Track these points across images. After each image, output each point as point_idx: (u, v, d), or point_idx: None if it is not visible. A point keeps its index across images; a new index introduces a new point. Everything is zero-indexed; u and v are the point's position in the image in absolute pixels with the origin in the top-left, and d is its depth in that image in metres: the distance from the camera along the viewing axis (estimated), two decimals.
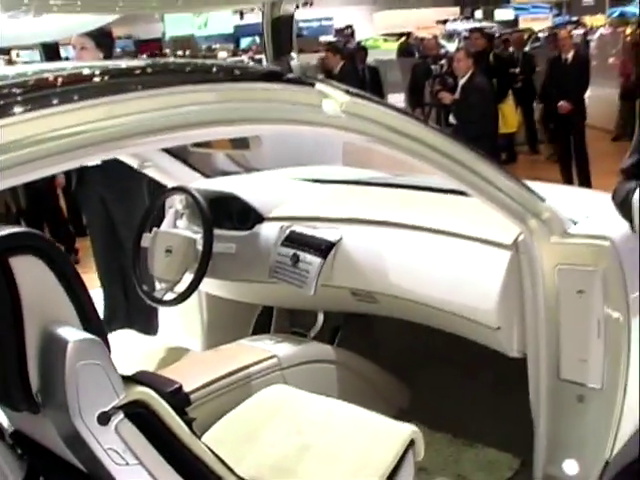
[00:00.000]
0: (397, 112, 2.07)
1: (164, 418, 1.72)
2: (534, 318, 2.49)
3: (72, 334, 1.60)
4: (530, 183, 2.50)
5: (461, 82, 7.50)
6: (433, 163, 2.12)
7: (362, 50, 12.08)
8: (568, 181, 8.62)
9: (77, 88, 1.39)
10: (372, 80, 10.50)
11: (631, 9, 40.30)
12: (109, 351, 1.65)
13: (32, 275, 1.57)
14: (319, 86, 1.85)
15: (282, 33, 2.01)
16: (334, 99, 1.84)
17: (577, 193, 3.98)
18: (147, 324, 3.89)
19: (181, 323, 3.45)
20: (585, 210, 2.75)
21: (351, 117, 1.88)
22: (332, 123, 1.87)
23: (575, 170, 8.67)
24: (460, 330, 2.72)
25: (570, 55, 8.76)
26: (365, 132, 1.95)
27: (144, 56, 20.14)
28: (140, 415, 1.67)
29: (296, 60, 2.01)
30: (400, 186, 3.22)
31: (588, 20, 38.47)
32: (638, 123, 2.18)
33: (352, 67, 10.59)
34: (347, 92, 1.89)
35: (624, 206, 2.10)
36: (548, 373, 2.53)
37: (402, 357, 3.30)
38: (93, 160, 1.40)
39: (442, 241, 2.66)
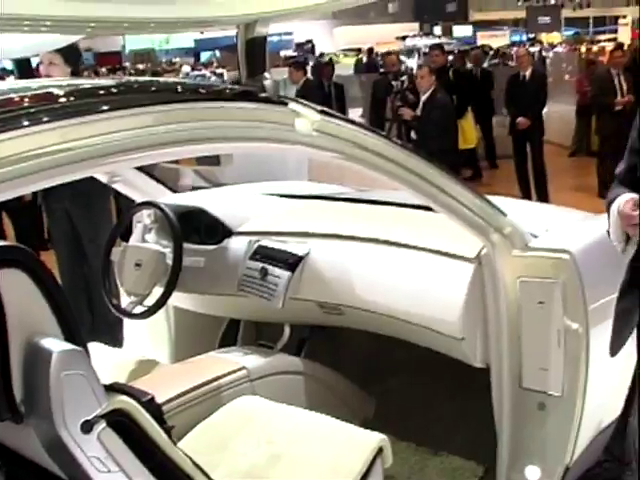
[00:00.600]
0: (367, 130, 2.14)
1: (144, 426, 1.76)
2: (496, 329, 2.57)
3: (56, 345, 1.63)
4: (492, 198, 2.59)
5: (423, 98, 7.56)
6: (400, 180, 2.20)
7: (328, 65, 12.02)
8: (527, 196, 8.77)
9: (47, 109, 1.42)
10: (337, 96, 10.49)
11: (584, 27, 41.03)
12: (90, 361, 1.69)
13: (16, 288, 1.60)
14: (292, 105, 1.91)
15: (256, 53, 2.07)
16: (306, 118, 1.90)
17: (537, 208, 4.08)
18: (112, 337, 3.90)
19: (149, 336, 3.47)
20: (545, 224, 2.85)
21: (323, 136, 1.95)
22: (304, 142, 1.93)
23: (534, 185, 8.81)
24: (425, 341, 2.79)
25: (528, 72, 8.92)
26: (336, 150, 2.01)
27: (104, 70, 20.05)
28: (122, 423, 1.71)
29: (270, 79, 2.07)
30: (366, 201, 3.29)
31: (544, 38, 39.15)
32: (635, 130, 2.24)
33: (316, 82, 10.60)
34: (319, 111, 1.95)
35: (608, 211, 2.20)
36: (510, 382, 2.61)
37: (368, 368, 3.36)
38: (65, 179, 1.42)
39: (407, 255, 2.73)
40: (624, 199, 2.05)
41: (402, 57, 21.30)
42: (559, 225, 2.88)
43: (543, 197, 8.62)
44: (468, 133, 9.42)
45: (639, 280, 2.00)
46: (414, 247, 2.72)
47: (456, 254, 2.60)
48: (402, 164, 2.17)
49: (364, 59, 23.21)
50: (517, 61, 9.25)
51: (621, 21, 45.34)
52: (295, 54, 28.62)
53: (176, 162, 2.45)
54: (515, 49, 20.97)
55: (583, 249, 2.59)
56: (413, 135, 7.53)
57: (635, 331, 2.25)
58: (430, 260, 2.67)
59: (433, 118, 7.42)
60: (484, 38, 37.48)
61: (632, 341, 2.85)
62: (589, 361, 2.58)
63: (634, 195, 2.00)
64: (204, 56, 33.36)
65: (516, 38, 38.83)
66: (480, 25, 43.49)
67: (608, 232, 2.15)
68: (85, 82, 1.85)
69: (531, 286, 2.53)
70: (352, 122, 2.13)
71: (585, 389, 2.59)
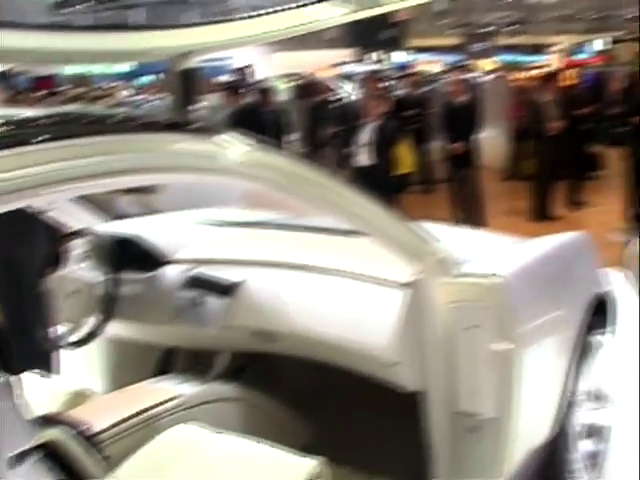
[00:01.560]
0: (298, 160, 2.17)
1: (77, 458, 1.74)
2: (430, 353, 2.62)
3: None
4: (425, 223, 2.64)
5: (365, 125, 7.65)
6: (331, 208, 2.23)
7: (268, 91, 11.54)
8: (462, 221, 8.91)
9: None
10: (275, 122, 10.40)
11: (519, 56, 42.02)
12: (21, 392, 1.66)
13: None
14: (221, 136, 1.92)
15: (187, 84, 2.08)
16: (234, 148, 1.92)
17: (470, 233, 4.16)
18: (48, 366, 3.84)
19: (85, 365, 3.43)
20: (477, 249, 2.92)
21: (252, 166, 1.96)
22: (232, 172, 1.95)
23: (471, 210, 8.94)
24: (359, 367, 2.82)
25: (463, 98, 9.09)
26: (266, 180, 2.04)
27: (40, 93, 19.73)
28: (52, 456, 1.69)
29: (203, 107, 2.08)
30: (300, 228, 3.32)
31: (479, 64, 39.97)
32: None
33: (254, 108, 10.52)
34: (248, 141, 1.97)
35: None
36: (444, 405, 2.66)
37: (306, 394, 3.37)
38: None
39: (341, 281, 2.76)
40: None
41: (339, 83, 21.54)
42: (491, 250, 2.96)
43: (480, 221, 8.77)
44: (406, 158, 9.51)
45: None
46: (348, 274, 2.76)
47: (389, 280, 2.64)
48: (333, 193, 2.21)
49: (303, 84, 23.33)
50: (453, 87, 9.38)
51: (554, 48, 46.66)
52: (233, 79, 28.57)
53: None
54: (451, 75, 21.34)
55: (513, 273, 2.66)
56: (355, 161, 7.57)
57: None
58: (363, 286, 2.71)
59: (373, 144, 7.51)
60: (420, 64, 38.13)
61: (558, 361, 2.95)
62: (522, 383, 2.64)
63: None
64: (141, 80, 33.05)
65: (452, 64, 39.50)
66: (417, 51, 44.21)
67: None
68: (15, 113, 1.83)
69: (464, 310, 2.58)
70: (283, 152, 2.16)
71: (518, 410, 2.65)
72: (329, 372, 3.01)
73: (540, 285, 2.94)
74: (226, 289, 2.93)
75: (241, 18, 2.24)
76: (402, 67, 35.22)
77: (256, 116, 9.73)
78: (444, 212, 9.31)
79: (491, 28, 42.31)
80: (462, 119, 8.87)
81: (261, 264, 2.99)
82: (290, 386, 3.43)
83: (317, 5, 2.33)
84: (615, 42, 44.74)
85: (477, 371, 2.62)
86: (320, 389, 3.40)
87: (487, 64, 40.11)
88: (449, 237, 2.73)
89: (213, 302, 2.92)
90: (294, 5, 2.32)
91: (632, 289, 2.05)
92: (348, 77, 24.05)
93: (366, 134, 7.56)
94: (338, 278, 2.77)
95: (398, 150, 9.23)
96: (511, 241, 3.36)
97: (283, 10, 2.30)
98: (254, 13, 2.26)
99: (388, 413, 3.18)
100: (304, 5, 2.31)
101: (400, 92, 12.80)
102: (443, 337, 2.60)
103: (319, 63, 33.84)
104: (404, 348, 2.59)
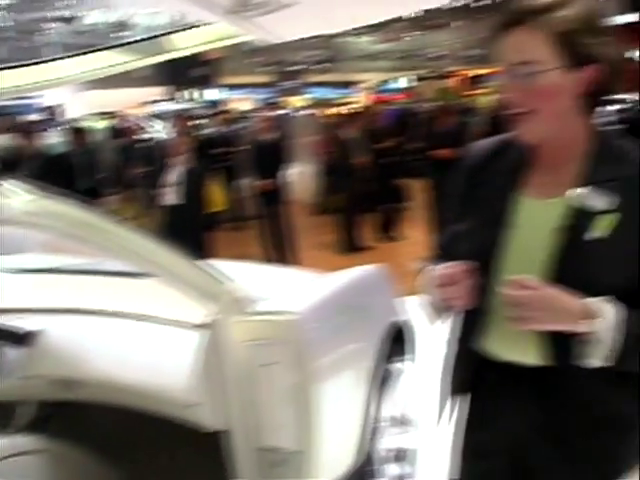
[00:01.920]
0: (82, 208, 2.15)
1: None
2: (230, 392, 2.64)
3: None
4: (224, 261, 2.69)
5: (174, 164, 7.61)
6: (120, 254, 2.23)
7: (79, 132, 10.57)
8: (272, 256, 9.05)
9: None
10: (85, 163, 9.70)
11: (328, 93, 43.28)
12: None
13: None
14: (5, 185, 1.89)
15: None
16: (19, 197, 1.89)
17: (269, 269, 4.24)
18: None
19: None
20: (275, 286, 2.99)
21: (36, 215, 1.94)
22: (18, 221, 1.92)
23: (281, 245, 9.07)
24: (161, 409, 2.80)
25: (271, 135, 9.25)
26: (52, 228, 2.02)
27: None
28: None
29: None
30: (99, 272, 3.28)
31: (290, 100, 40.90)
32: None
33: (61, 150, 10.09)
34: (32, 190, 1.94)
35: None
36: (248, 441, 2.69)
37: (112, 440, 3.31)
38: None
39: (139, 325, 2.76)
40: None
41: (150, 122, 21.36)
42: (287, 286, 3.04)
43: (291, 256, 8.93)
44: (216, 196, 9.55)
45: (468, 357, 1.85)
46: (145, 317, 2.75)
47: (186, 322, 2.66)
48: (118, 238, 2.20)
49: (114, 124, 22.93)
50: (262, 125, 9.54)
51: (361, 86, 48.53)
52: (42, 118, 27.61)
53: None
54: (261, 113, 21.70)
55: (307, 309, 2.75)
56: (165, 201, 7.50)
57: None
58: (160, 329, 2.72)
59: (184, 183, 7.49)
60: (232, 101, 38.50)
61: (358, 391, 3.05)
62: (322, 415, 2.72)
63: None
64: None
65: (263, 101, 40.14)
66: (229, 88, 44.64)
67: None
68: None
69: (261, 348, 2.63)
70: (68, 201, 2.14)
71: (320, 442, 2.72)
72: (135, 416, 2.97)
73: (335, 319, 3.05)
74: (23, 338, 2.84)
75: (45, 61, 2.22)
76: (214, 104, 35.49)
77: (63, 158, 9.41)
78: (255, 249, 9.42)
79: (301, 66, 43.44)
80: (271, 156, 8.99)
81: (58, 311, 2.93)
82: (97, 433, 3.35)
83: (112, 50, 2.34)
84: (419, 79, 47.26)
85: (278, 406, 2.67)
86: (127, 434, 3.35)
87: (297, 101, 41.18)
88: (247, 275, 2.79)
89: (10, 352, 2.82)
90: (95, 48, 2.32)
91: (426, 314, 2.16)
92: (159, 115, 23.90)
93: (174, 173, 7.53)
94: (135, 322, 2.76)
95: (208, 188, 9.28)
96: (310, 276, 3.46)
97: (85, 53, 2.29)
98: (58, 56, 2.24)
99: (194, 452, 3.17)
100: (106, 48, 2.32)
101: (211, 130, 12.85)
102: (242, 375, 2.63)
103: (131, 101, 33.42)
104: (203, 388, 2.61)
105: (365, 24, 1.64)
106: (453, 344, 1.92)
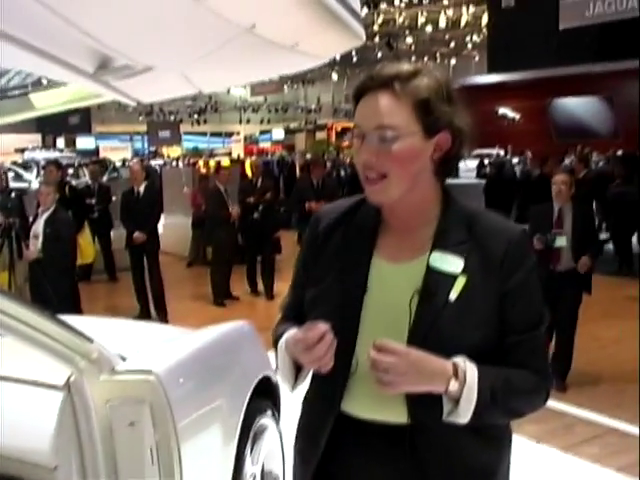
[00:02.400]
0: None
1: None
2: (91, 453, 2.59)
3: None
4: (89, 317, 2.65)
5: (45, 215, 7.41)
6: None
7: None
8: (145, 308, 8.92)
9: None
10: None
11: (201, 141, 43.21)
12: None
13: None
14: None
15: None
16: None
17: (134, 326, 4.19)
18: None
19: None
20: (137, 344, 2.96)
21: None
22: None
23: (152, 297, 8.96)
24: (21, 473, 2.71)
25: (142, 187, 9.16)
26: None
27: None
28: None
29: None
30: None
31: (165, 151, 40.75)
32: None
33: None
34: None
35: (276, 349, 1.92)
36: None
37: None
38: None
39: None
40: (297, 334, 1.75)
41: (20, 170, 20.79)
42: (150, 345, 3.02)
43: (161, 308, 8.83)
44: (86, 249, 9.38)
45: (316, 419, 1.82)
46: (2, 378, 2.67)
47: (45, 382, 2.60)
48: None
49: None
50: (131, 176, 9.42)
51: (234, 137, 48.90)
52: None
53: None
54: (134, 162, 21.50)
55: (169, 369, 2.74)
56: (31, 254, 7.27)
57: None
58: (19, 390, 2.64)
59: (54, 235, 7.31)
60: (106, 151, 38.00)
61: (225, 447, 3.04)
62: (185, 474, 2.70)
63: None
64: None
65: (138, 151, 39.80)
66: (103, 137, 44.03)
67: (276, 370, 1.90)
68: None
69: (121, 408, 2.59)
70: None
71: None
72: None
73: (201, 376, 3.04)
74: None
75: None
76: (88, 153, 34.91)
77: None
78: (127, 300, 9.27)
79: (176, 116, 43.37)
80: (142, 208, 8.88)
81: None
82: None
83: None
84: (293, 131, 48.03)
85: (139, 467, 2.63)
86: None
87: (172, 151, 41.10)
88: (111, 332, 2.75)
89: None
90: None
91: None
92: (29, 165, 23.27)
93: (41, 224, 7.34)
94: None
95: (77, 240, 9.09)
96: (177, 332, 3.45)
97: None
98: None
99: None
100: None
101: (83, 179, 12.63)
102: (103, 436, 2.59)
103: (1, 148, 32.43)
104: (63, 451, 2.54)
105: (225, 88, 1.67)
106: (309, 405, 1.91)
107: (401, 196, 1.68)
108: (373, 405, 1.72)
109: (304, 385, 1.89)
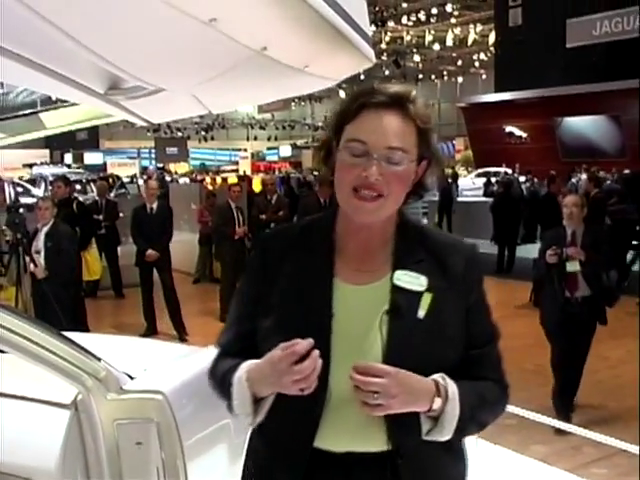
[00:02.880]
0: None
1: None
2: (98, 472, 2.59)
3: None
4: (96, 335, 2.64)
5: (45, 230, 7.43)
6: None
7: None
8: (152, 324, 8.91)
9: None
10: None
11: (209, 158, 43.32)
12: None
13: None
14: None
15: None
16: None
17: (141, 345, 4.19)
18: None
19: None
20: (145, 363, 2.96)
21: None
22: None
23: (168, 313, 8.93)
24: None
25: (155, 204, 9.11)
26: None
27: None
28: None
29: None
30: None
31: (173, 167, 40.88)
32: None
33: None
34: None
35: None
36: None
37: None
38: None
39: (3, 403, 2.67)
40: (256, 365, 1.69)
41: (28, 185, 20.87)
42: (157, 364, 3.01)
43: (179, 324, 8.81)
44: (93, 265, 9.39)
45: (282, 459, 1.74)
46: (10, 396, 2.67)
47: (52, 401, 2.60)
48: None
49: None
50: (147, 192, 9.33)
51: (241, 154, 49.04)
52: None
53: None
54: (144, 179, 21.57)
55: (176, 388, 2.73)
56: (41, 269, 7.28)
57: None
58: (26, 407, 2.64)
59: (57, 250, 7.32)
60: (114, 167, 38.12)
61: (231, 467, 3.03)
62: None
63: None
64: None
65: (146, 167, 39.90)
66: (110, 153, 44.23)
67: (230, 406, 1.73)
68: None
69: (128, 428, 2.59)
70: None
71: None
72: None
73: (205, 396, 3.03)
74: None
75: None
76: (95, 169, 35.02)
77: None
78: (135, 317, 9.27)
79: (184, 132, 43.55)
80: (156, 224, 8.87)
81: None
82: None
83: None
84: (299, 148, 48.15)
85: None
86: None
87: (179, 167, 41.22)
88: (118, 351, 2.75)
89: None
90: None
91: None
92: (36, 180, 23.36)
93: (47, 240, 7.36)
94: (3, 399, 2.67)
95: (85, 257, 9.11)
96: (183, 352, 3.44)
97: None
98: None
99: None
100: None
101: (90, 195, 12.67)
102: (110, 455, 2.58)
103: (9, 163, 32.54)
104: (70, 469, 2.54)
105: (234, 108, 1.67)
106: (270, 444, 1.77)
107: (385, 216, 1.66)
108: (351, 437, 1.66)
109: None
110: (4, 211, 8.57)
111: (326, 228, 1.74)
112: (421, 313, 1.64)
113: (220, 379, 1.77)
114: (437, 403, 1.60)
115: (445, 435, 1.62)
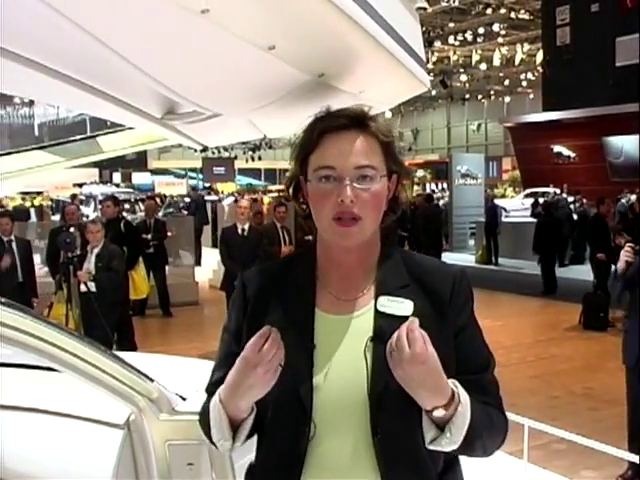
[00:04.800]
0: (3, 306, 2.13)
1: None
2: None
3: None
4: (146, 354, 2.67)
5: (95, 251, 7.54)
6: (40, 353, 2.20)
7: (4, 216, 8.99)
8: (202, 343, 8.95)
9: None
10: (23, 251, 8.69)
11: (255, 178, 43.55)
12: None
13: None
14: None
15: None
16: None
17: (193, 365, 4.21)
18: None
19: None
20: (196, 384, 2.97)
21: None
22: None
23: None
24: None
25: (247, 225, 9.07)
26: None
27: None
28: None
29: None
30: (15, 365, 3.21)
31: (220, 187, 41.23)
32: None
33: None
34: None
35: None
36: None
37: None
38: None
39: (57, 422, 2.71)
40: None
41: (80, 204, 21.23)
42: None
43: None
44: (140, 284, 9.45)
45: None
46: (64, 415, 2.71)
47: (105, 421, 2.63)
48: (40, 337, 2.18)
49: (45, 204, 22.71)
50: (238, 211, 9.35)
51: (289, 174, 49.12)
52: None
53: None
54: (191, 197, 21.69)
55: None
56: (92, 288, 7.38)
57: None
58: (80, 427, 2.67)
59: (107, 268, 7.43)
60: (161, 186, 38.60)
61: None
62: None
63: None
64: None
65: (194, 186, 40.33)
66: (159, 173, 44.80)
67: (209, 437, 1.74)
68: None
69: (180, 448, 2.61)
70: None
71: None
72: None
73: None
74: None
75: None
76: (144, 188, 35.53)
77: None
78: (183, 336, 9.34)
79: (231, 152, 43.86)
80: (248, 246, 8.80)
81: None
82: None
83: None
84: None
85: None
86: None
87: (226, 187, 41.54)
88: (170, 371, 2.77)
89: None
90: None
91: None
92: (87, 199, 23.76)
93: (96, 259, 7.47)
94: (56, 419, 2.71)
95: (132, 276, 9.20)
96: None
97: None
98: None
99: None
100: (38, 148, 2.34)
101: (138, 215, 12.80)
102: (162, 475, 2.60)
103: (60, 182, 33.16)
104: None
105: (289, 133, 1.69)
106: None
107: (366, 239, 1.62)
108: (338, 471, 1.60)
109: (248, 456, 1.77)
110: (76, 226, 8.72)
111: (308, 261, 1.72)
112: None
113: (204, 426, 1.75)
114: (452, 408, 1.52)
115: (451, 443, 1.53)
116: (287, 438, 1.59)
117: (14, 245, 8.51)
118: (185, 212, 18.04)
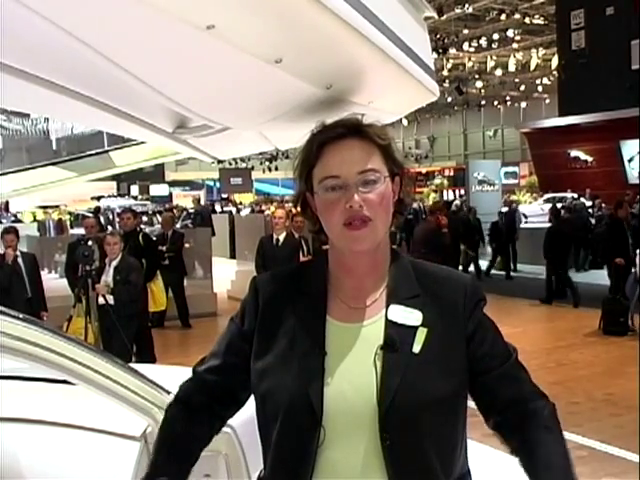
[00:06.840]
0: (20, 321, 2.15)
1: None
2: None
3: None
4: (164, 366, 2.67)
5: (113, 264, 7.58)
6: (57, 367, 2.22)
7: (10, 232, 8.66)
8: None
9: None
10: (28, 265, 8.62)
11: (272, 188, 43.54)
12: None
13: None
14: None
15: None
16: None
17: None
18: None
19: None
20: None
21: None
22: None
23: None
24: None
25: (282, 235, 9.08)
26: None
27: None
28: None
29: None
30: (30, 379, 3.23)
31: (237, 197, 41.39)
32: None
33: None
34: None
35: None
36: None
37: None
38: None
39: (74, 435, 2.72)
40: None
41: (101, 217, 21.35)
42: None
43: None
44: (158, 296, 9.47)
45: None
46: (80, 427, 2.72)
47: (122, 433, 2.64)
48: (58, 351, 2.20)
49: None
50: (273, 221, 9.42)
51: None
52: None
53: None
54: (208, 208, 21.73)
55: (244, 421, 2.73)
56: (110, 300, 7.43)
57: None
58: (97, 439, 2.68)
59: (126, 281, 7.47)
60: (179, 197, 38.77)
61: None
62: None
63: None
64: None
65: (211, 197, 40.44)
66: (176, 185, 44.98)
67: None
68: None
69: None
70: (5, 313, 2.14)
71: None
72: None
73: None
74: None
75: None
76: (161, 200, 35.70)
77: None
78: (202, 347, 9.33)
79: (247, 163, 44.02)
80: (284, 256, 8.79)
81: None
82: None
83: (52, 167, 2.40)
84: None
85: None
86: None
87: (243, 197, 41.66)
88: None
89: None
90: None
91: None
92: (104, 212, 23.88)
93: (114, 272, 7.51)
94: (72, 431, 2.73)
95: (151, 288, 9.23)
96: None
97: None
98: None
99: None
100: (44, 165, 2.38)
101: (156, 227, 12.85)
102: None
103: (78, 195, 33.38)
104: None
105: (300, 144, 1.70)
106: None
107: (377, 242, 1.65)
108: (349, 477, 1.60)
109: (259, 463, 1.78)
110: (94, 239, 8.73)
111: (320, 269, 1.74)
112: (416, 348, 1.61)
113: (163, 438, 1.97)
114: None
115: None
116: (297, 443, 1.60)
117: (20, 260, 8.47)
118: (190, 224, 18.17)
